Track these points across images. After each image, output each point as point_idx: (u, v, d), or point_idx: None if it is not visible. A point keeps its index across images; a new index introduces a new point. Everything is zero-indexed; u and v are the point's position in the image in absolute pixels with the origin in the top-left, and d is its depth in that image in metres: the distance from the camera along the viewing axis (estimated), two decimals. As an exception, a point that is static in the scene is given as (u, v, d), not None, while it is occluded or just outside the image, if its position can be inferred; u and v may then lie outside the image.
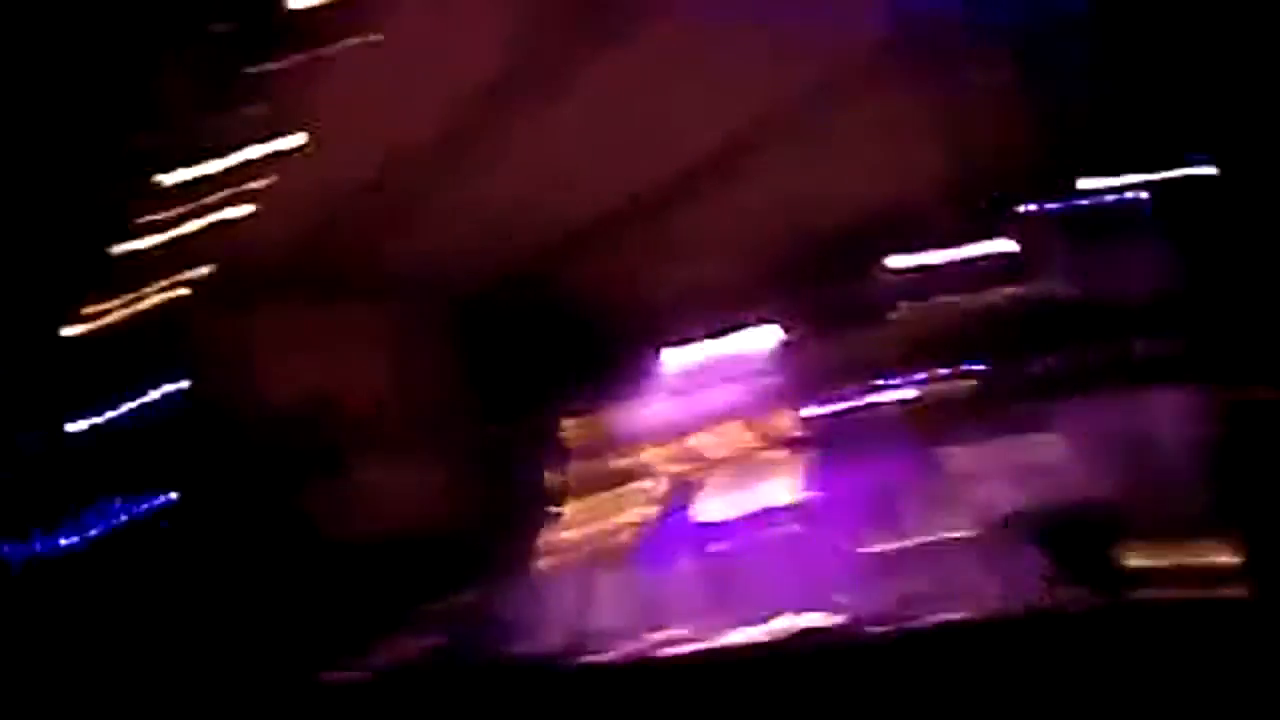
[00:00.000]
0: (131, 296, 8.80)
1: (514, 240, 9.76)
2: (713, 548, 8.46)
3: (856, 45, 7.38)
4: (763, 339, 9.79)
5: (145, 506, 8.43)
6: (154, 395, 8.74)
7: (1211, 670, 3.89)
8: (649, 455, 8.45)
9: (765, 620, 6.68)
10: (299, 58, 7.12)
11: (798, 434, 8.62)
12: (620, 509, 7.89)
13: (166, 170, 7.91)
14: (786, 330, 9.40)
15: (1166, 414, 5.06)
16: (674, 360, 10.11)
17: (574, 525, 7.80)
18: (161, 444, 8.61)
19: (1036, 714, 4.11)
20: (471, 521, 8.30)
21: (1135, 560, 4.90)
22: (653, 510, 8.00)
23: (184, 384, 9.06)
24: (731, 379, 10.05)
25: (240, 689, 7.00)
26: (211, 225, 8.31)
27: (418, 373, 10.33)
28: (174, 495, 8.63)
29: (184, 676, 7.15)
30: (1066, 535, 5.27)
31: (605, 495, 7.89)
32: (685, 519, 8.80)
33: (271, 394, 9.48)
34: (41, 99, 7.22)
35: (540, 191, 8.82)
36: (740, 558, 8.16)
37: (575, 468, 7.94)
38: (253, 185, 8.04)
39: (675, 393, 10.18)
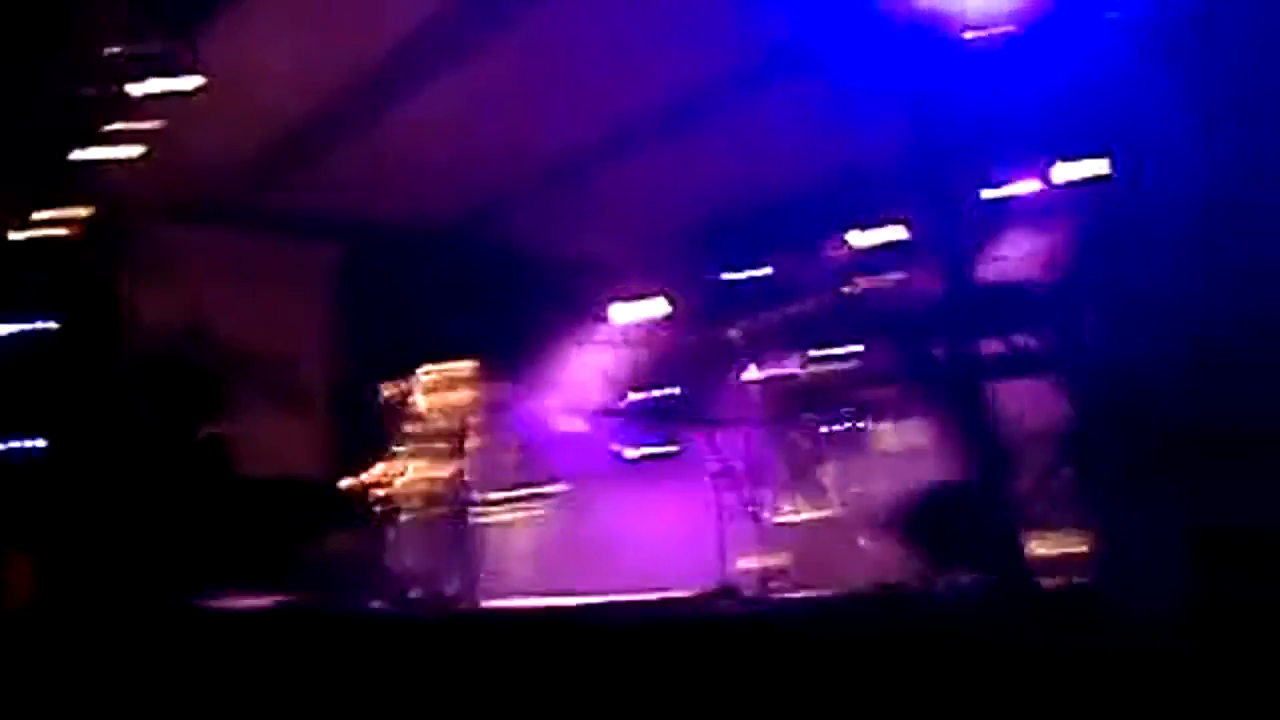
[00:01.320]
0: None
1: (424, 189, 9.74)
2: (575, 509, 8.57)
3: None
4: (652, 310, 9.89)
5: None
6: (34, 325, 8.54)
7: (1061, 660, 3.96)
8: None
9: (621, 588, 6.74)
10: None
11: (670, 407, 8.73)
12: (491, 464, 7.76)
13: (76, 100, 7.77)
14: (675, 305, 9.50)
15: (1036, 407, 5.15)
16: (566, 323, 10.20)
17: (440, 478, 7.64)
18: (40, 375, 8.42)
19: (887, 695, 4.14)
20: (338, 469, 8.26)
21: (998, 547, 4.95)
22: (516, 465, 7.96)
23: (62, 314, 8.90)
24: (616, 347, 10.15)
25: (104, 618, 6.86)
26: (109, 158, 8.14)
27: (303, 316, 10.26)
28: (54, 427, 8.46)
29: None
30: (926, 520, 5.37)
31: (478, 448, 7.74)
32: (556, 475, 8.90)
33: (153, 327, 9.34)
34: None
35: (458, 143, 8.84)
36: (603, 521, 8.26)
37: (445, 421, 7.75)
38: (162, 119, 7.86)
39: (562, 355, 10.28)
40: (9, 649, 6.46)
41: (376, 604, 7.32)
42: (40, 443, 8.27)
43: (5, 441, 8.07)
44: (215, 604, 7.62)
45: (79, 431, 8.68)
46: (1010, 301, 5.45)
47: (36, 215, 8.60)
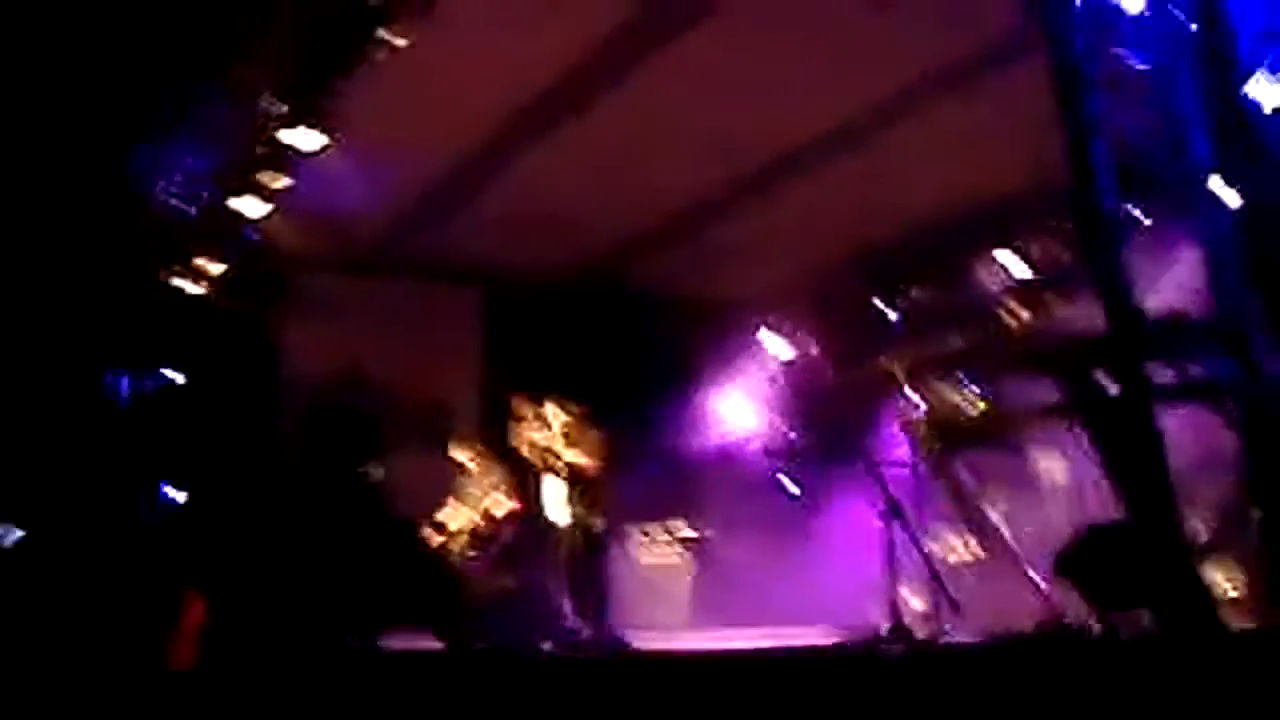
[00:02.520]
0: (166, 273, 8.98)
1: (560, 240, 9.88)
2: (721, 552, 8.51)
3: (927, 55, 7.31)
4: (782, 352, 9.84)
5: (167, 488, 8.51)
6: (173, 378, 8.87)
7: (1214, 696, 3.81)
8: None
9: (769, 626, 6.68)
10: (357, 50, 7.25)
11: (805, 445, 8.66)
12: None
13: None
14: (816, 340, 9.45)
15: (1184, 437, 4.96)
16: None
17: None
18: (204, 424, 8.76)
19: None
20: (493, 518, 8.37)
21: (1151, 583, 4.78)
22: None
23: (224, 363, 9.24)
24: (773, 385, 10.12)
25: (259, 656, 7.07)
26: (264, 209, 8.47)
27: (448, 357, 10.46)
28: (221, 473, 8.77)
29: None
30: (1079, 557, 5.20)
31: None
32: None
33: (310, 374, 9.65)
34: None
35: (599, 189, 8.92)
36: (742, 565, 8.19)
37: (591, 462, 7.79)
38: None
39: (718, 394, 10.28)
40: (186, 689, 6.71)
41: (538, 643, 7.37)
42: (208, 489, 8.57)
43: (177, 488, 8.37)
44: (380, 644, 7.79)
45: (245, 477, 9.00)
46: (1178, 327, 5.26)
47: (196, 264, 8.99)
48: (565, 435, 7.79)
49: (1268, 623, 4.30)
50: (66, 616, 6.83)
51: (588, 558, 7.58)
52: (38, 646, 6.44)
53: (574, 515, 7.61)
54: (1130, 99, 5.15)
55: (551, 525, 7.71)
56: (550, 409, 7.88)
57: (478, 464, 8.53)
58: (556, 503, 7.73)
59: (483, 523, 8.35)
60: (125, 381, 8.08)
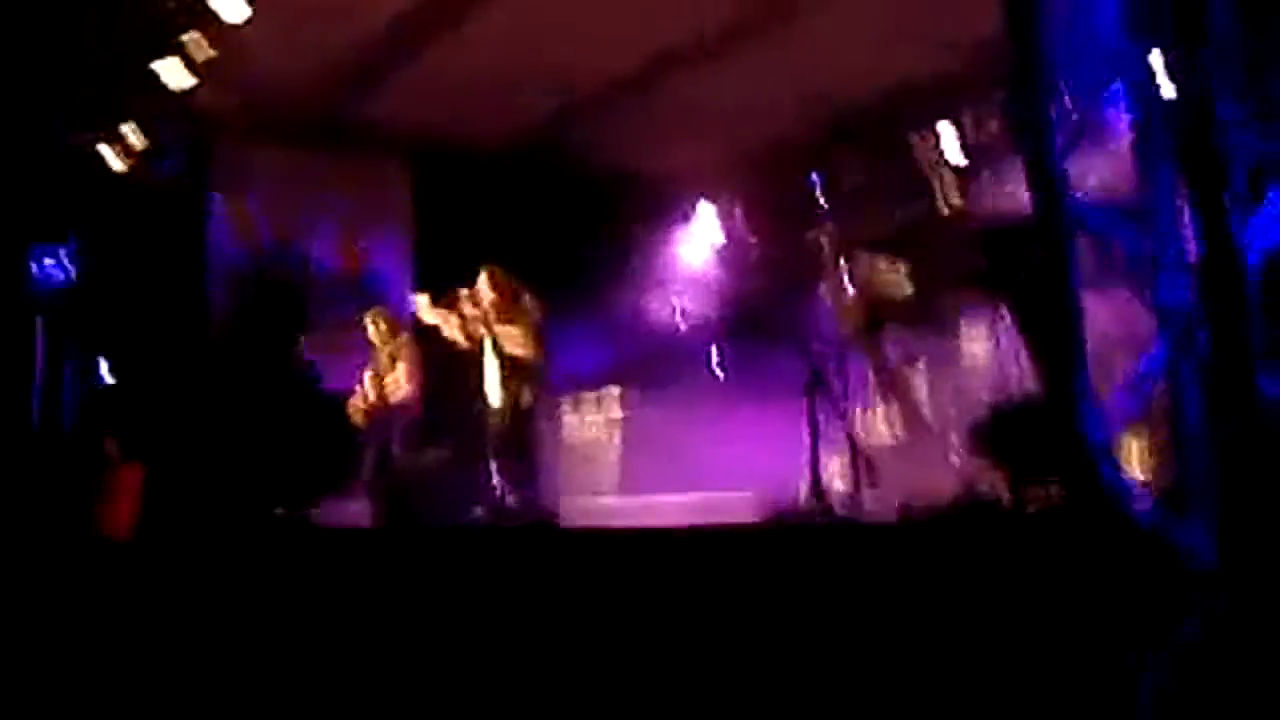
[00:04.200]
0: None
1: (493, 108, 9.70)
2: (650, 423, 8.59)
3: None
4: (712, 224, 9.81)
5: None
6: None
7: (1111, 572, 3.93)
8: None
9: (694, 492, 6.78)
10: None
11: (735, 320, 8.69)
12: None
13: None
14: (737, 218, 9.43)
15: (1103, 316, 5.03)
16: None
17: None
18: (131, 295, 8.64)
19: (956, 605, 4.14)
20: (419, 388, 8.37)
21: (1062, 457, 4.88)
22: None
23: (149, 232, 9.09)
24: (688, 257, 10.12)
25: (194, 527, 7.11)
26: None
27: (382, 231, 10.35)
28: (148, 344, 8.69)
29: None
30: (995, 430, 5.31)
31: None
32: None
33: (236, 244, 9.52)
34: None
35: (526, 62, 8.75)
36: (671, 435, 8.28)
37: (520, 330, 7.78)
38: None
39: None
40: (124, 557, 6.73)
41: (466, 514, 7.46)
42: (139, 363, 8.48)
43: (106, 361, 8.28)
44: (310, 515, 7.84)
45: (172, 348, 8.92)
46: (1105, 206, 5.29)
47: (120, 131, 8.76)
48: (497, 309, 7.73)
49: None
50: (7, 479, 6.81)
51: (517, 429, 7.60)
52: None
53: (503, 388, 7.60)
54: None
55: (481, 398, 7.72)
56: (482, 282, 7.80)
57: (383, 337, 8.49)
58: (489, 375, 7.72)
59: (376, 399, 8.35)
60: (50, 257, 7.93)
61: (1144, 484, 4.62)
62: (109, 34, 7.98)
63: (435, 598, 5.63)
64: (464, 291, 7.89)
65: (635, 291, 10.29)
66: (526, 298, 7.78)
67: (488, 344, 7.71)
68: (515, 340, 7.63)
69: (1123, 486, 4.52)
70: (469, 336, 7.81)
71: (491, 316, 7.72)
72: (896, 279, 7.03)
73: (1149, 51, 4.98)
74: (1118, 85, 5.16)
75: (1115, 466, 4.69)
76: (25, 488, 6.88)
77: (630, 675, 4.47)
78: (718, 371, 9.18)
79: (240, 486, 8.11)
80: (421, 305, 8.09)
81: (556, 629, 5.01)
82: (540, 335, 7.67)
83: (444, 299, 7.98)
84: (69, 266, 7.99)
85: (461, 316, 7.86)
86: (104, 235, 8.51)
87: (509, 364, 7.61)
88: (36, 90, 8.11)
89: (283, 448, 8.61)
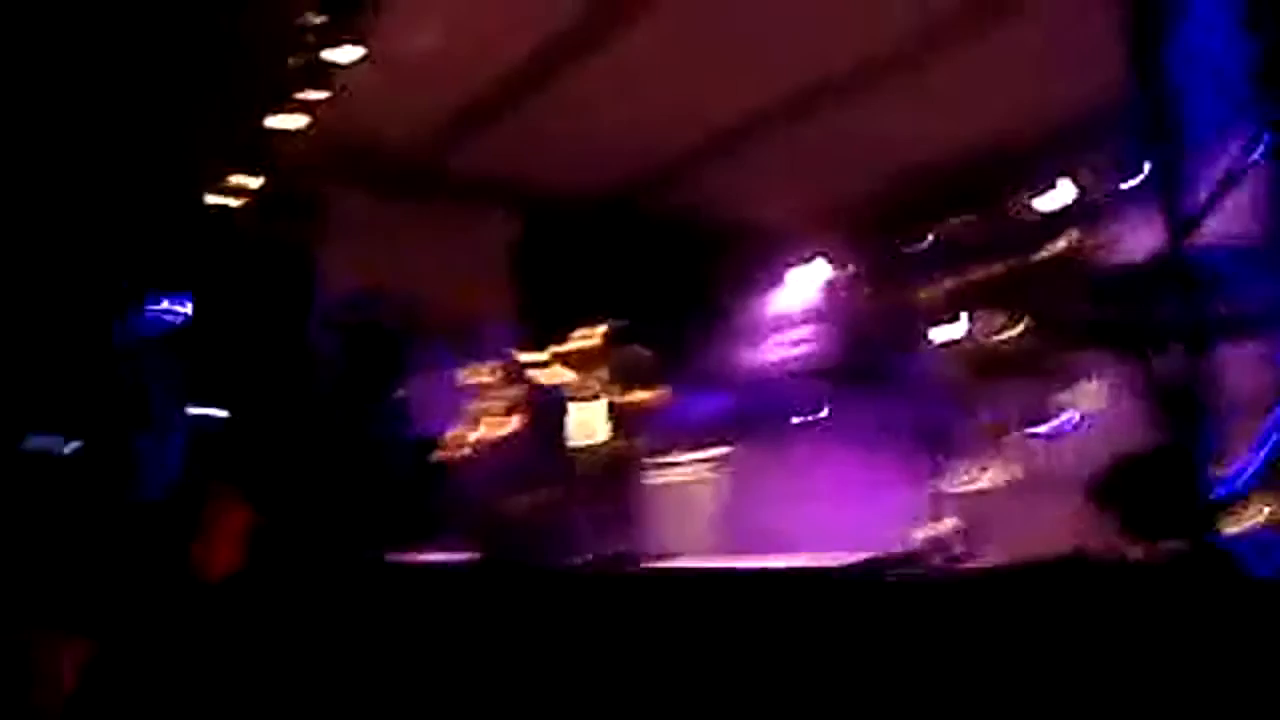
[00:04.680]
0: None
1: (595, 161, 9.78)
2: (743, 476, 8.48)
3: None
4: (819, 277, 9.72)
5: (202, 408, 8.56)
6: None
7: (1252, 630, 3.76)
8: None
9: (792, 551, 6.66)
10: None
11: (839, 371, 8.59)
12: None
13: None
14: (844, 270, 9.34)
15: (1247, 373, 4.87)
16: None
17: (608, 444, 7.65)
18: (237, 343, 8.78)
19: (1066, 661, 4.01)
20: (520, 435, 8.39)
21: (1185, 514, 4.71)
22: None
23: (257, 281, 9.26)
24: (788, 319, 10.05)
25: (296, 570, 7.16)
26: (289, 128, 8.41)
27: (485, 280, 10.44)
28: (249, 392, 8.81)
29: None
30: (1114, 484, 5.15)
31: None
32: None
33: (336, 293, 9.65)
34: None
35: (628, 115, 8.84)
36: (769, 487, 8.17)
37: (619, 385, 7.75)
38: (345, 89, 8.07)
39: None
40: (225, 600, 6.80)
41: (565, 560, 7.41)
42: (237, 407, 8.62)
43: (205, 406, 8.42)
44: (411, 559, 7.86)
45: (280, 395, 9.05)
46: (1219, 263, 5.14)
47: (229, 182, 8.98)
48: (611, 360, 7.74)
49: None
50: (113, 525, 6.95)
51: (619, 479, 7.57)
52: (78, 556, 6.56)
53: (611, 435, 7.59)
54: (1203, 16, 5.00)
55: (583, 446, 7.71)
56: (598, 334, 7.84)
57: (494, 383, 8.54)
58: (592, 423, 7.70)
59: (482, 443, 8.37)
60: (167, 302, 8.13)
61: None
62: (229, 90, 8.20)
63: (531, 639, 5.60)
64: (577, 342, 7.90)
65: (739, 344, 10.23)
66: (638, 349, 7.75)
67: (598, 393, 7.70)
68: (626, 391, 7.61)
69: (1248, 545, 4.35)
70: (580, 386, 7.80)
71: (605, 367, 7.72)
72: (1010, 332, 6.89)
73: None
74: (1246, 135, 5.05)
75: (1240, 524, 4.52)
76: (131, 530, 7.02)
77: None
78: (823, 426, 9.06)
79: (342, 531, 8.19)
80: (533, 353, 8.10)
81: (649, 674, 4.95)
82: (650, 387, 7.64)
83: (557, 348, 8.00)
84: (183, 312, 8.17)
85: (573, 366, 7.87)
86: (218, 283, 8.69)
87: (619, 413, 7.59)
88: (164, 141, 8.39)
89: (383, 493, 8.68)
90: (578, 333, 7.94)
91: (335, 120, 8.37)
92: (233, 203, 9.16)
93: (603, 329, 7.85)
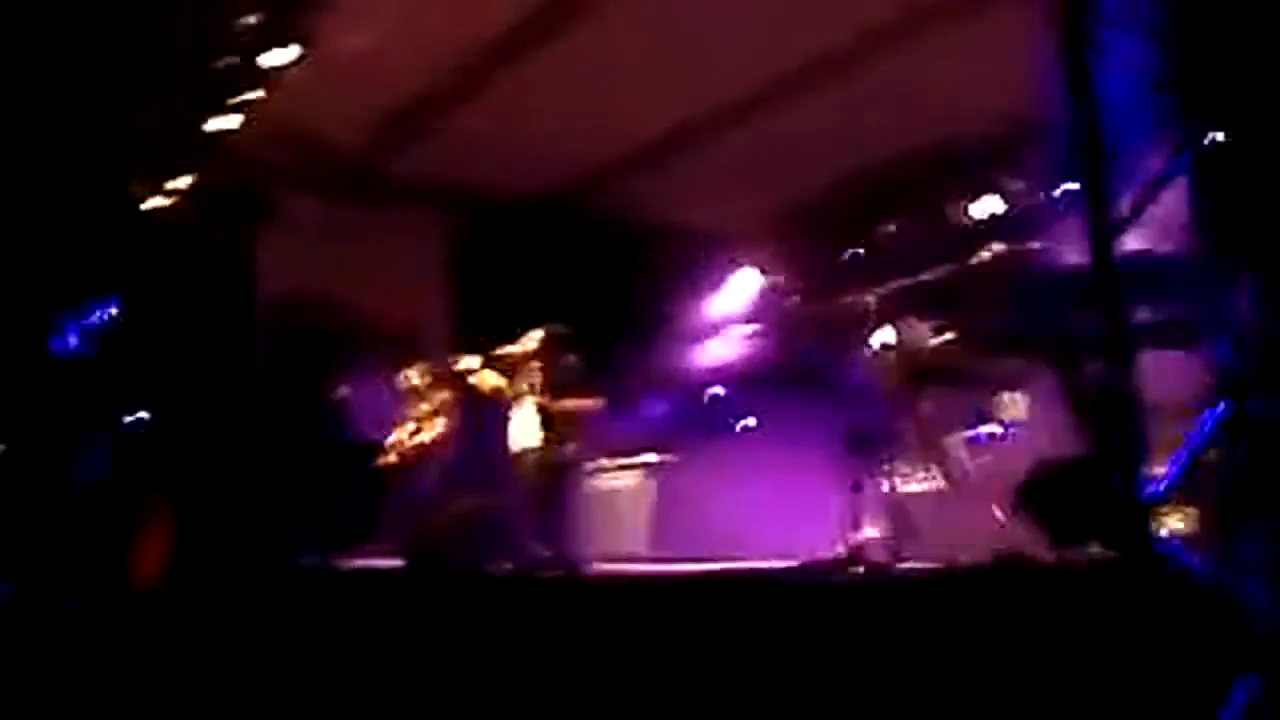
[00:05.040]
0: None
1: (531, 164, 9.77)
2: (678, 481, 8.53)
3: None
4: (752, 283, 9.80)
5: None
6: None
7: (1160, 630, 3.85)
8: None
9: (725, 557, 6.71)
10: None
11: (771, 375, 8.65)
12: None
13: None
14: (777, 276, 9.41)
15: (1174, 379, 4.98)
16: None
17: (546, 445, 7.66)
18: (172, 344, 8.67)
19: (1002, 663, 4.07)
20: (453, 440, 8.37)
21: (1106, 519, 4.82)
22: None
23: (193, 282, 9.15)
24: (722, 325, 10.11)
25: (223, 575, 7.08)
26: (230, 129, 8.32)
27: (421, 282, 10.39)
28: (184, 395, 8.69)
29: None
30: (1038, 490, 5.24)
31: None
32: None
33: (281, 296, 9.57)
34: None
35: (564, 119, 8.85)
36: (703, 492, 8.23)
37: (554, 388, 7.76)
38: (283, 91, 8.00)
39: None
40: (154, 604, 6.71)
41: (500, 564, 7.41)
42: (170, 410, 8.50)
43: (139, 411, 8.30)
44: (340, 564, 7.81)
45: (212, 397, 8.95)
46: (1158, 267, 5.27)
47: (164, 183, 8.86)
48: (544, 365, 7.75)
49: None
50: (41, 534, 6.84)
51: (551, 483, 7.58)
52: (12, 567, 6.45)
53: (544, 441, 7.59)
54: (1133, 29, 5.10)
55: (519, 451, 7.70)
56: (533, 339, 7.84)
57: (425, 387, 8.52)
58: (525, 428, 7.69)
59: (410, 446, 8.34)
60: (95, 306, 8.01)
61: (1191, 542, 4.55)
62: (164, 90, 8.10)
63: (460, 644, 5.58)
64: (510, 346, 7.90)
65: (671, 348, 10.27)
66: (571, 354, 7.77)
67: (530, 398, 7.71)
68: (559, 395, 7.63)
69: (1173, 545, 4.46)
70: (513, 391, 7.80)
71: (538, 372, 7.73)
72: (936, 340, 6.99)
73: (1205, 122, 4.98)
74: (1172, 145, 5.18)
75: (1163, 526, 4.63)
76: (62, 538, 6.91)
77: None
78: (753, 430, 9.13)
79: (271, 534, 8.11)
80: (466, 359, 8.10)
81: (582, 679, 4.95)
82: (583, 391, 7.68)
83: (491, 353, 8.00)
84: (111, 315, 8.05)
85: (505, 371, 7.87)
86: (151, 284, 8.57)
87: (551, 419, 7.60)
88: (94, 143, 8.26)
89: (315, 496, 8.61)
90: (513, 337, 7.93)
91: (273, 121, 8.33)
92: (167, 203, 9.03)
93: (538, 334, 7.86)
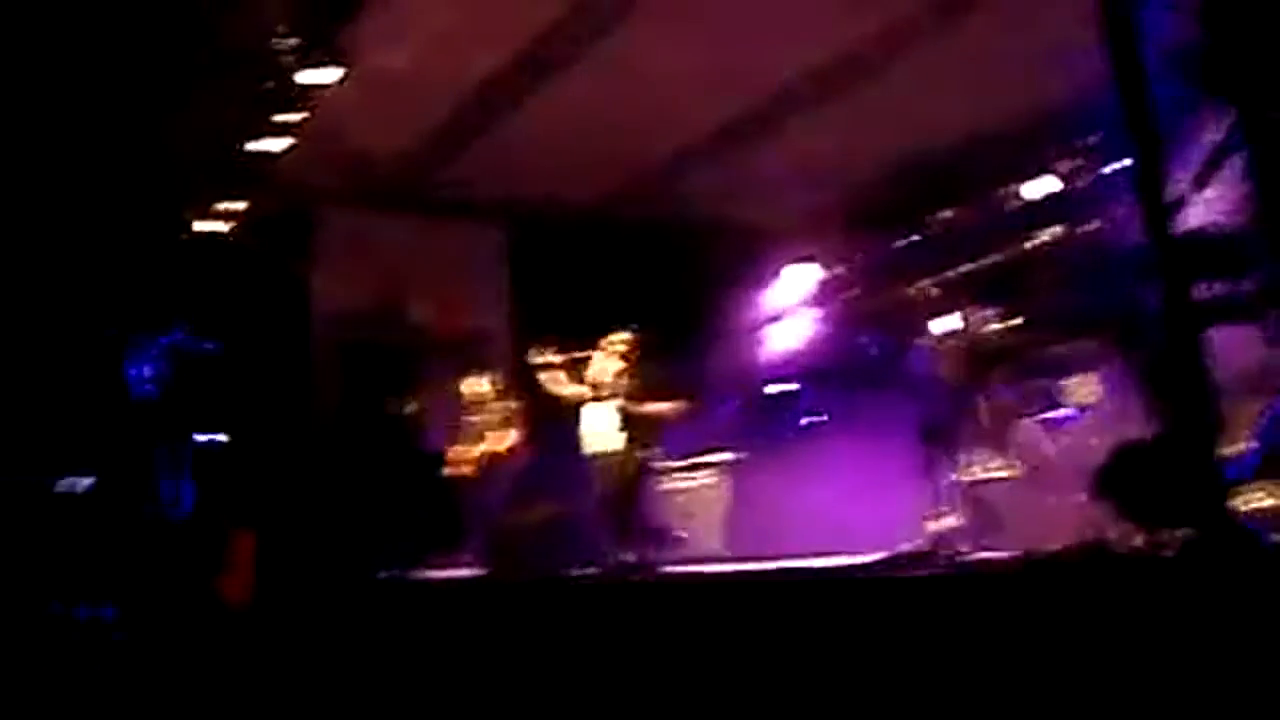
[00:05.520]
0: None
1: (586, 169, 9.83)
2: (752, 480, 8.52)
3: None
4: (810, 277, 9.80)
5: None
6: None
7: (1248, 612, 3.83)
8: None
9: (803, 554, 6.73)
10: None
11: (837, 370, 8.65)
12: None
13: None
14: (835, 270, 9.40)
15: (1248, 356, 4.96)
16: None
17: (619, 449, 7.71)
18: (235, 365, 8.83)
19: (1090, 653, 4.07)
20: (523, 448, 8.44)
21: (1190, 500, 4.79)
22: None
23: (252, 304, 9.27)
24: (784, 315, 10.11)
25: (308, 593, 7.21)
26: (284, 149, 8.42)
27: (478, 291, 10.47)
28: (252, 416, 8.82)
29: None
30: (1118, 474, 5.22)
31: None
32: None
33: (338, 310, 9.67)
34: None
35: (624, 114, 8.91)
36: (776, 490, 8.24)
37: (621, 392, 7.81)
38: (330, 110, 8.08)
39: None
40: (240, 621, 6.85)
41: (575, 570, 7.47)
42: (241, 432, 8.64)
43: (211, 432, 8.45)
44: (420, 575, 7.91)
45: (280, 417, 9.08)
46: (1223, 241, 5.24)
47: (219, 208, 8.99)
48: (623, 369, 7.81)
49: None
50: (132, 561, 7.00)
51: (632, 486, 7.62)
52: (109, 594, 6.62)
53: (625, 444, 7.65)
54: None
55: (594, 455, 7.75)
56: (612, 343, 7.90)
57: (493, 396, 8.58)
58: (603, 432, 7.75)
59: (482, 455, 8.43)
60: (161, 338, 8.15)
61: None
62: (213, 114, 8.23)
63: (546, 650, 5.65)
64: (586, 351, 7.96)
65: (733, 346, 10.29)
66: (654, 358, 7.85)
67: (610, 402, 7.76)
68: (643, 399, 7.67)
69: (1258, 524, 4.44)
70: (593, 395, 7.84)
71: (622, 375, 7.78)
72: (1003, 325, 6.97)
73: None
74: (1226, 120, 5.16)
75: (1249, 504, 4.61)
76: (155, 562, 7.08)
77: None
78: (823, 425, 9.14)
79: (351, 549, 8.23)
80: (540, 363, 8.12)
81: (670, 681, 5.01)
82: (667, 394, 7.73)
83: (569, 357, 8.05)
84: (180, 341, 8.20)
85: (580, 376, 7.92)
86: (214, 311, 8.72)
87: (634, 422, 7.65)
88: (146, 171, 8.40)
89: (390, 509, 8.72)
90: (580, 342, 8.00)
91: (324, 140, 8.42)
92: (223, 228, 9.17)
93: (622, 337, 7.91)
